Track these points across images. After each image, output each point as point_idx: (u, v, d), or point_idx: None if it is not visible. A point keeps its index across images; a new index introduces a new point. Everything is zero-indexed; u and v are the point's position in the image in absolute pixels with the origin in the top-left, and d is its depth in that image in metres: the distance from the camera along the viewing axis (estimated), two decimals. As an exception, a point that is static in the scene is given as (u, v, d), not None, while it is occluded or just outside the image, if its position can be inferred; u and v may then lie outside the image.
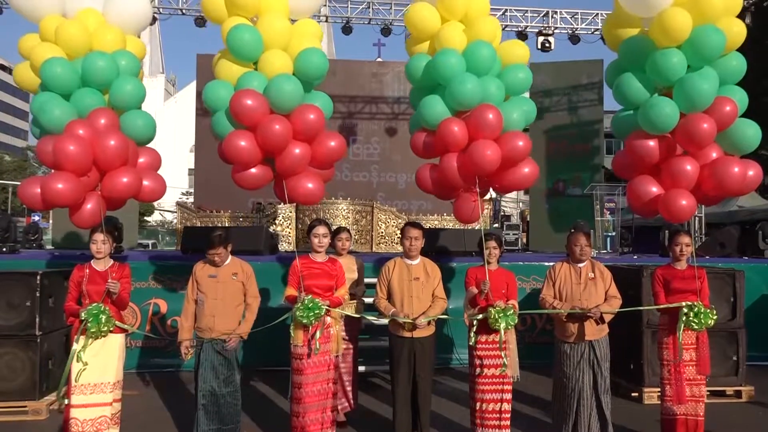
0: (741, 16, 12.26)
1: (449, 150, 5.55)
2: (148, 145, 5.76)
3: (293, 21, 5.80)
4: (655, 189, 5.32)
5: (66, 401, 4.26)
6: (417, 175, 6.01)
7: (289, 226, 11.20)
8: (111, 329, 4.26)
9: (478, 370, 4.51)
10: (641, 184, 5.41)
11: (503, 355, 4.40)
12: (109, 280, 4.26)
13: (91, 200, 5.05)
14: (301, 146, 5.30)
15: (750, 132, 5.34)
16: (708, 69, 5.23)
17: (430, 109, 5.58)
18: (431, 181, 5.86)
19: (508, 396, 4.51)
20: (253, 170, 5.39)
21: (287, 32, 5.52)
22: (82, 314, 4.18)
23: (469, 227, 10.80)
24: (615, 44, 5.78)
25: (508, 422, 4.51)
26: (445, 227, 10.97)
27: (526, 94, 6.69)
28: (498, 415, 4.47)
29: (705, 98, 5.08)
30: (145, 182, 5.34)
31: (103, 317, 4.19)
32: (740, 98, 5.40)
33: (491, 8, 13.70)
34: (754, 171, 5.33)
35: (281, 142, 5.18)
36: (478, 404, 4.50)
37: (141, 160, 5.47)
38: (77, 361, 4.19)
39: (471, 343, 4.53)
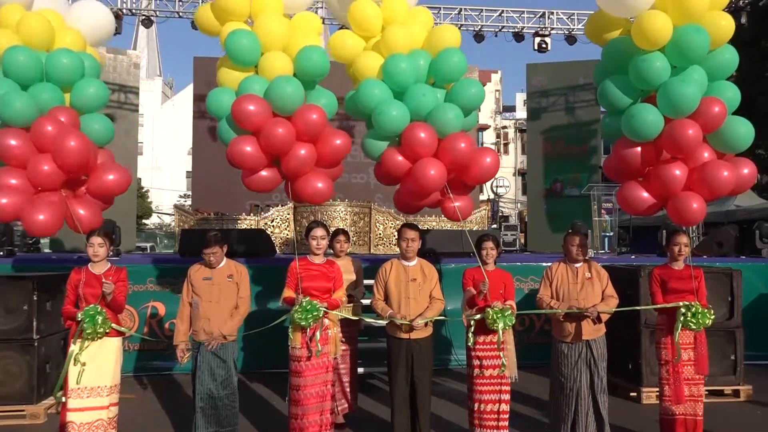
0: (736, 16, 12.26)
1: (399, 178, 5.65)
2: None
3: (291, 15, 5.73)
4: (645, 195, 5.31)
5: (63, 399, 4.24)
6: (394, 201, 6.09)
7: (287, 228, 11.19)
8: (107, 331, 4.25)
9: (476, 371, 4.50)
10: (630, 191, 5.39)
11: (501, 356, 4.40)
12: (103, 281, 4.25)
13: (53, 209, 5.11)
14: (306, 147, 5.29)
15: (742, 130, 5.20)
16: (694, 69, 5.13)
17: (371, 145, 5.68)
18: (402, 204, 5.96)
19: (507, 397, 4.50)
20: (263, 173, 5.40)
21: (285, 31, 5.47)
22: (79, 315, 4.18)
23: (467, 228, 10.80)
24: (601, 42, 5.68)
25: (507, 423, 4.50)
26: (443, 228, 10.97)
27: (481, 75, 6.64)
28: (496, 416, 4.46)
29: (689, 103, 4.96)
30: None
31: (99, 318, 4.18)
32: (732, 95, 5.27)
33: (487, 9, 13.73)
34: (748, 170, 5.27)
35: (285, 144, 5.17)
36: (476, 405, 4.49)
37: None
38: (74, 363, 4.18)
39: (469, 344, 4.53)
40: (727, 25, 5.19)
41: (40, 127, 5.07)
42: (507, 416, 4.50)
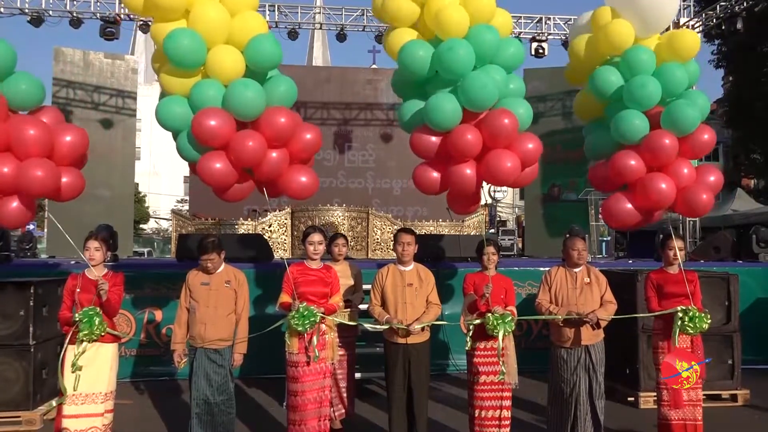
0: (733, 21, 12.25)
1: (463, 160, 5.32)
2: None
3: None
4: (629, 206, 5.57)
5: (62, 401, 4.18)
6: (416, 176, 5.75)
7: (285, 233, 11.18)
8: (102, 333, 4.23)
9: (476, 377, 4.50)
10: (618, 202, 5.68)
11: (501, 362, 4.39)
12: (98, 279, 4.25)
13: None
14: (277, 151, 5.07)
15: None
16: (693, 93, 5.71)
17: (441, 110, 5.20)
18: (428, 182, 5.67)
19: (508, 403, 4.50)
20: (237, 184, 5.25)
21: (225, 20, 4.98)
22: (76, 316, 4.16)
23: (465, 233, 10.80)
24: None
25: (508, 429, 4.50)
26: (441, 233, 10.97)
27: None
28: (497, 422, 4.46)
29: (691, 124, 5.40)
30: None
31: (97, 319, 4.16)
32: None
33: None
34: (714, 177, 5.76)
35: (257, 157, 4.95)
36: (477, 411, 4.49)
37: (68, 138, 4.98)
38: (73, 370, 4.15)
39: (467, 348, 4.52)
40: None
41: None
42: (508, 422, 4.50)
